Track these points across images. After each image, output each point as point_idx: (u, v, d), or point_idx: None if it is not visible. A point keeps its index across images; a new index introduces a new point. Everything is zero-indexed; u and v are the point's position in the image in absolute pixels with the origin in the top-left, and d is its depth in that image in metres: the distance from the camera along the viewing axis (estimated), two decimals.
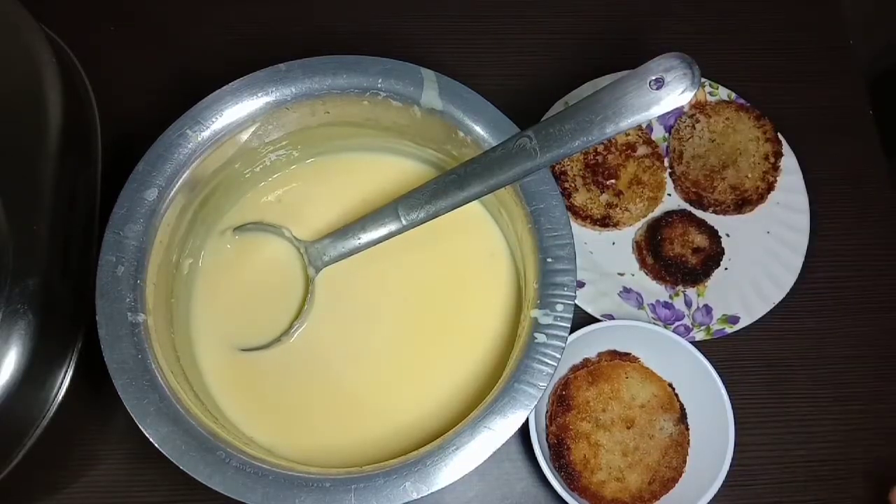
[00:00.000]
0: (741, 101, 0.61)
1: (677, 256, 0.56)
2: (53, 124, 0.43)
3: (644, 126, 0.61)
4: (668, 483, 0.50)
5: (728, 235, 0.58)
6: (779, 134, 0.60)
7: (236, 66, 0.46)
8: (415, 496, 0.38)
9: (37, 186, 0.42)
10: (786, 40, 0.67)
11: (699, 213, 0.59)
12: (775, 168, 0.59)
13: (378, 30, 0.65)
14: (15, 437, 0.41)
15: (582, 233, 0.58)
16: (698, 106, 0.61)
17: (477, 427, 0.40)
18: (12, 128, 0.43)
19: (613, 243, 0.59)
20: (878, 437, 0.56)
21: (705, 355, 0.51)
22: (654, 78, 0.37)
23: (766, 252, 0.58)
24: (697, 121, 0.60)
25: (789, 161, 0.60)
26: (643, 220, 0.59)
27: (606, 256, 0.58)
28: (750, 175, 0.59)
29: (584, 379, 0.51)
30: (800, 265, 0.57)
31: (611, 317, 0.55)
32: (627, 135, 0.59)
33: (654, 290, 0.58)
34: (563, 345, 0.42)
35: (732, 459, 0.49)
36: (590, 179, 0.58)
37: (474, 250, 0.51)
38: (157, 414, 0.39)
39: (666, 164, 0.60)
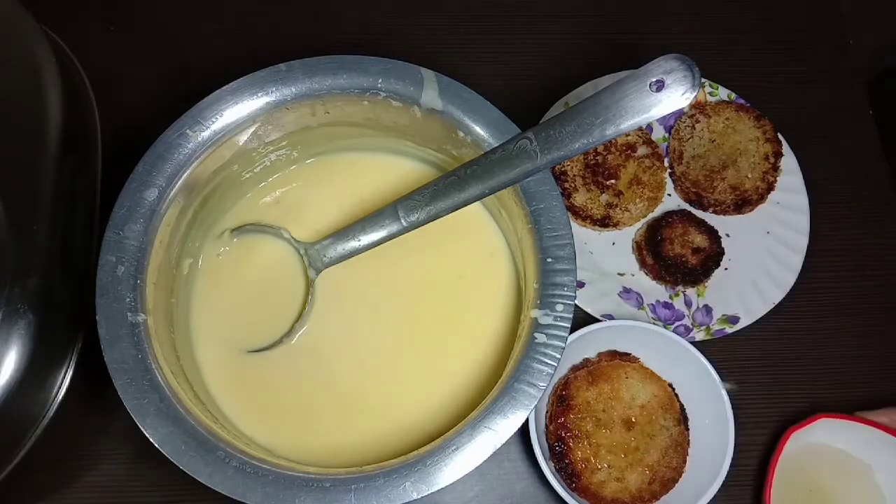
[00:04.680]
0: (741, 101, 0.61)
1: (677, 256, 0.56)
2: (53, 124, 0.43)
3: (644, 126, 0.61)
4: (668, 483, 0.50)
5: (728, 235, 0.58)
6: (779, 134, 0.60)
7: (236, 66, 0.46)
8: (415, 496, 0.38)
9: (37, 186, 0.42)
10: (786, 40, 0.67)
11: (699, 213, 0.59)
12: (775, 168, 0.59)
13: (378, 30, 0.65)
14: (15, 438, 0.41)
15: (582, 233, 0.58)
16: (698, 106, 0.61)
17: (477, 427, 0.40)
18: (12, 128, 0.43)
19: (613, 243, 0.59)
20: None
21: (705, 355, 0.51)
22: (654, 80, 0.37)
23: (766, 252, 0.58)
24: (697, 121, 0.60)
25: (789, 161, 0.60)
26: (643, 221, 0.59)
27: (606, 256, 0.58)
28: (750, 175, 0.59)
29: (584, 379, 0.51)
30: (800, 265, 0.57)
31: (611, 317, 0.55)
32: (628, 135, 0.59)
33: (654, 290, 0.58)
34: (563, 345, 0.42)
35: (732, 459, 0.49)
36: (590, 179, 0.58)
37: (474, 250, 0.51)
38: (157, 414, 0.39)
39: (666, 164, 0.60)
